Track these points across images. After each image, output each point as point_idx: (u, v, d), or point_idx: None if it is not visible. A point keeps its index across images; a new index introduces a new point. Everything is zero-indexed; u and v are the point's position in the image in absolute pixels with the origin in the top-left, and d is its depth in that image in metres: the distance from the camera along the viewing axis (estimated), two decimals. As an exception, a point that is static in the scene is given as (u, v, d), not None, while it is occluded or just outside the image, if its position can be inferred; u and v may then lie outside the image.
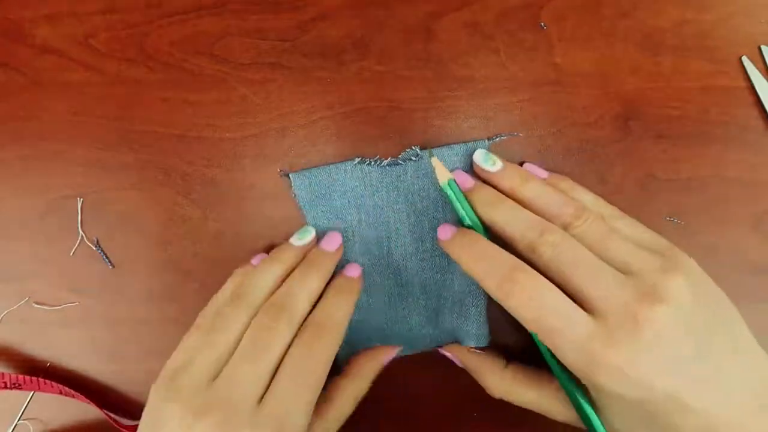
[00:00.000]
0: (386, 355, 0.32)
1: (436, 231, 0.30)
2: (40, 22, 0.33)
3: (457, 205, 0.29)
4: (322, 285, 0.30)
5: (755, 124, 0.32)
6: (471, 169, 0.31)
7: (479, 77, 0.32)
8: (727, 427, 0.23)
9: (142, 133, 0.33)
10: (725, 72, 0.32)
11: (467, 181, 0.30)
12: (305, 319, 0.28)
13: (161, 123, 0.33)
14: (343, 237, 0.32)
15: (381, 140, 0.32)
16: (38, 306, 0.33)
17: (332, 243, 0.31)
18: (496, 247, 0.27)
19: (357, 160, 0.31)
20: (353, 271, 0.32)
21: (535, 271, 0.25)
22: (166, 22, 0.33)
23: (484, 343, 0.32)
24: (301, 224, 0.32)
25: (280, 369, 0.27)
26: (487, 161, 0.30)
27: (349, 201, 0.32)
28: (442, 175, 0.29)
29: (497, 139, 0.32)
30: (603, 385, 0.24)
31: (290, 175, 0.32)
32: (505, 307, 0.25)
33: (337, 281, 0.31)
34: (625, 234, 0.27)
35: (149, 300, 0.33)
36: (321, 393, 0.27)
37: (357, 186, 0.32)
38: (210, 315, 0.29)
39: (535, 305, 0.24)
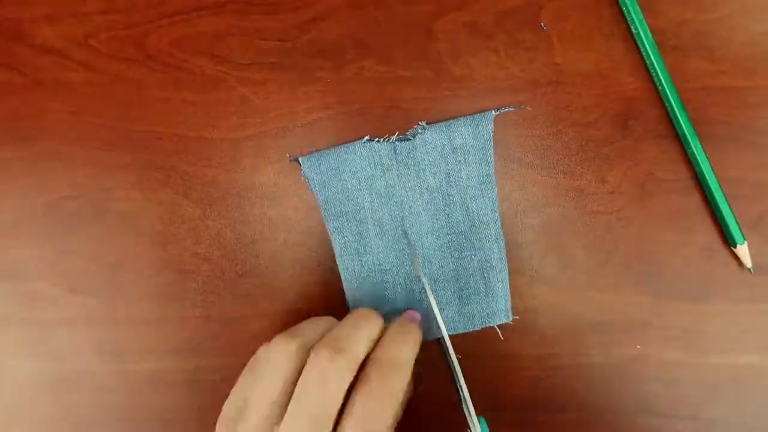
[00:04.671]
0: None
1: (450, 207, 0.31)
2: (40, 22, 0.33)
3: None
4: (380, 333, 0.27)
5: (755, 124, 0.32)
6: (478, 138, 0.31)
7: (479, 77, 0.32)
8: None
9: (142, 133, 0.33)
10: (725, 72, 0.32)
11: None
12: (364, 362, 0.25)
13: (161, 123, 0.33)
14: (356, 219, 0.32)
15: (381, 140, 0.32)
16: (38, 306, 0.33)
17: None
18: None
19: (366, 138, 0.32)
20: (413, 315, 0.29)
21: None
22: (166, 22, 0.33)
23: (509, 317, 0.32)
24: (304, 225, 0.32)
25: (344, 417, 0.24)
26: None
27: (359, 181, 0.32)
28: None
29: (504, 110, 0.32)
30: None
31: (299, 159, 0.32)
32: None
33: (401, 321, 0.28)
34: None
35: (149, 300, 0.33)
36: None
37: (367, 165, 0.32)
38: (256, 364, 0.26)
39: None
